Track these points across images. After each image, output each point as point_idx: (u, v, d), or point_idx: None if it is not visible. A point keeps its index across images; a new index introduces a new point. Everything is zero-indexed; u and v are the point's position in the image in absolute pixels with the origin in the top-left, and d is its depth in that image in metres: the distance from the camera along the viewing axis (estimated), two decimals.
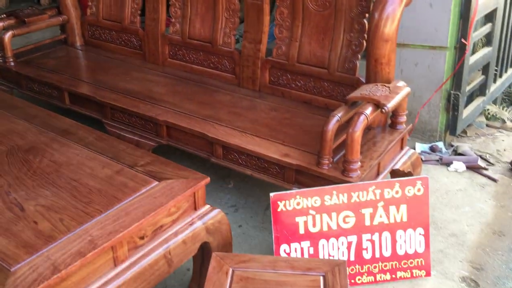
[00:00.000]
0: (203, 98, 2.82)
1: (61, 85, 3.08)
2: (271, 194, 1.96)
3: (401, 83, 2.26)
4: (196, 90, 2.94)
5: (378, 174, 2.28)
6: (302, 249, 2.01)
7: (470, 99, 3.49)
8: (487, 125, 3.55)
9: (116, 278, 1.53)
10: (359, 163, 2.05)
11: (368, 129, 2.43)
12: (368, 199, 2.02)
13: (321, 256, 2.02)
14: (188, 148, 2.57)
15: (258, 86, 2.88)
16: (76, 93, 3.02)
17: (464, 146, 3.18)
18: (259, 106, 2.70)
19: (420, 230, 2.08)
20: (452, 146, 3.22)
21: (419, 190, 2.06)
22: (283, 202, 1.97)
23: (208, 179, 1.81)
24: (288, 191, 1.97)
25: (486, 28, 3.25)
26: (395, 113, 2.41)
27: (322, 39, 2.59)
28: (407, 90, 2.18)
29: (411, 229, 2.07)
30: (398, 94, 2.12)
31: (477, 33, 3.09)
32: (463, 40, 2.89)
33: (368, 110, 2.02)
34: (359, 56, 2.49)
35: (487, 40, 3.35)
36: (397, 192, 2.04)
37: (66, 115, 2.37)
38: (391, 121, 2.44)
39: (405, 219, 2.07)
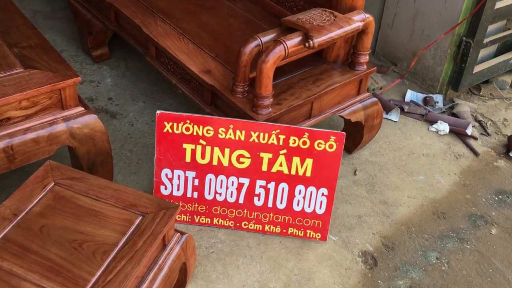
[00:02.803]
0: None
1: None
2: (158, 112, 1.74)
3: (359, 16, 1.84)
4: None
5: (310, 117, 1.97)
6: (186, 178, 1.82)
7: (500, 52, 2.92)
8: None
9: None
10: (271, 99, 1.75)
11: (322, 62, 2.08)
12: (269, 143, 1.75)
13: (206, 191, 1.83)
14: (129, 40, 2.34)
15: None
16: None
17: (464, 106, 2.71)
18: (222, 9, 2.37)
19: (323, 190, 1.81)
20: (453, 102, 2.76)
21: (331, 146, 1.75)
22: (171, 123, 1.75)
23: (78, 79, 1.61)
24: (177, 113, 1.74)
25: None
26: (354, 50, 2.01)
27: None
28: (355, 26, 1.77)
29: (313, 187, 1.81)
30: (340, 29, 1.72)
31: None
32: None
33: (294, 40, 1.67)
34: None
35: None
36: (304, 143, 1.75)
37: None
38: (350, 59, 2.06)
39: (308, 174, 1.79)
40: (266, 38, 1.73)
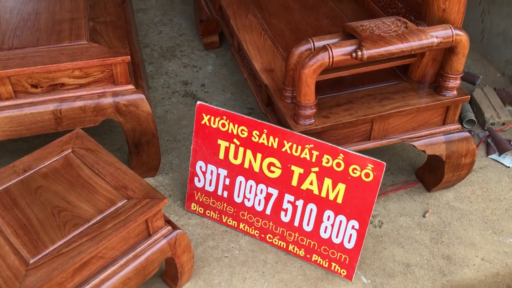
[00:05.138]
0: None
1: None
2: (198, 102, 1.70)
3: (442, 32, 1.52)
4: None
5: (369, 139, 1.73)
6: (218, 175, 1.76)
7: None
8: None
9: None
10: (313, 109, 1.57)
11: (403, 80, 1.80)
12: (302, 157, 1.59)
13: (236, 193, 1.75)
14: (225, 30, 2.36)
15: None
16: None
17: None
18: (322, 9, 2.22)
19: (354, 223, 1.57)
20: None
21: (367, 175, 1.51)
22: (208, 116, 1.70)
23: (127, 58, 1.66)
24: (215, 107, 1.68)
25: None
26: (442, 72, 1.69)
27: None
28: (427, 42, 1.47)
29: (343, 216, 1.58)
30: (404, 43, 1.45)
31: None
32: None
33: (342, 49, 1.46)
34: None
35: None
36: (338, 165, 1.54)
37: None
38: (438, 81, 1.74)
39: (339, 201, 1.57)
40: (321, 42, 1.56)
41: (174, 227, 1.45)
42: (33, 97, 1.67)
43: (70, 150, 1.50)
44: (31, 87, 1.65)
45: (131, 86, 1.74)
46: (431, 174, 1.96)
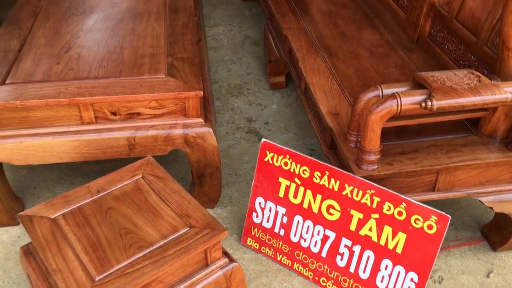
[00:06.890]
0: (352, 22, 2.50)
1: None
2: (262, 140, 1.75)
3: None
4: (359, 12, 2.61)
5: (433, 190, 1.69)
6: (276, 212, 1.78)
7: None
8: None
9: (76, 133, 1.76)
10: (377, 155, 1.57)
11: (473, 133, 1.77)
12: (362, 202, 1.58)
13: (292, 232, 1.76)
14: (292, 71, 2.43)
15: (417, 36, 2.35)
16: None
17: None
18: (391, 57, 2.24)
19: (413, 275, 1.53)
20: None
21: (430, 227, 1.47)
22: (272, 154, 1.74)
23: (200, 93, 1.75)
24: (279, 145, 1.72)
25: None
26: None
27: None
28: (501, 97, 1.44)
29: (401, 267, 1.55)
30: (476, 96, 1.43)
31: None
32: None
33: (411, 98, 1.47)
34: None
35: None
36: (400, 214, 1.52)
37: None
38: (510, 137, 1.69)
39: (398, 251, 1.54)
40: (389, 90, 1.57)
41: (231, 260, 1.48)
42: (111, 124, 1.79)
43: (141, 176, 1.59)
44: (110, 114, 1.77)
45: (200, 120, 1.83)
46: (498, 232, 1.88)
